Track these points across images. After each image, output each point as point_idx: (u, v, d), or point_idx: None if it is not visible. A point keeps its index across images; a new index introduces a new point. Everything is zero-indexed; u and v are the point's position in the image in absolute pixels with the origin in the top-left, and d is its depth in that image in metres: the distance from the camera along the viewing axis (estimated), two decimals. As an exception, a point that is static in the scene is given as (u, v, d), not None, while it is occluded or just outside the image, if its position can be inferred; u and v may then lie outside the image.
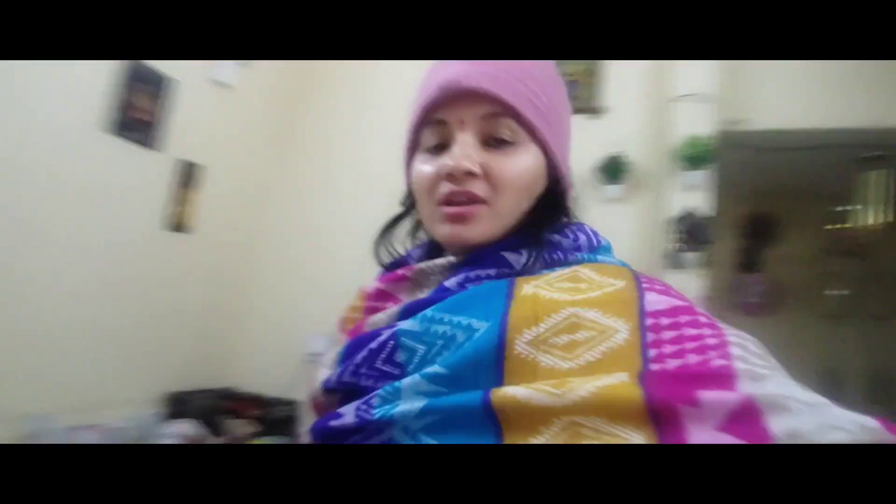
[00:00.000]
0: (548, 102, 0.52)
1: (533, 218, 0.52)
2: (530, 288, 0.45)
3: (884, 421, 0.32)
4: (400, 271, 0.54)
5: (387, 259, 0.59)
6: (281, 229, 2.55)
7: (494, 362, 0.41)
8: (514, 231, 0.52)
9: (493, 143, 0.51)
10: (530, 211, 0.53)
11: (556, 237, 0.52)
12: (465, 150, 0.49)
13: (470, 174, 0.49)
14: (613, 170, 2.12)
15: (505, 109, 0.50)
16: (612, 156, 2.12)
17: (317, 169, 2.56)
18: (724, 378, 0.35)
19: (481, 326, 0.43)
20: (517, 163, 0.51)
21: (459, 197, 0.49)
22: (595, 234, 0.55)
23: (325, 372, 0.51)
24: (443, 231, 0.51)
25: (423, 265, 0.53)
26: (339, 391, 0.49)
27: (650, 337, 0.39)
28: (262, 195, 2.53)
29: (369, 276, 0.59)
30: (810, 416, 0.32)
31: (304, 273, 2.42)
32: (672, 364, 0.37)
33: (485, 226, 0.50)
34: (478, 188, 0.50)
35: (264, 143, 2.52)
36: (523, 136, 0.51)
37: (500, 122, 0.50)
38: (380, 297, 0.54)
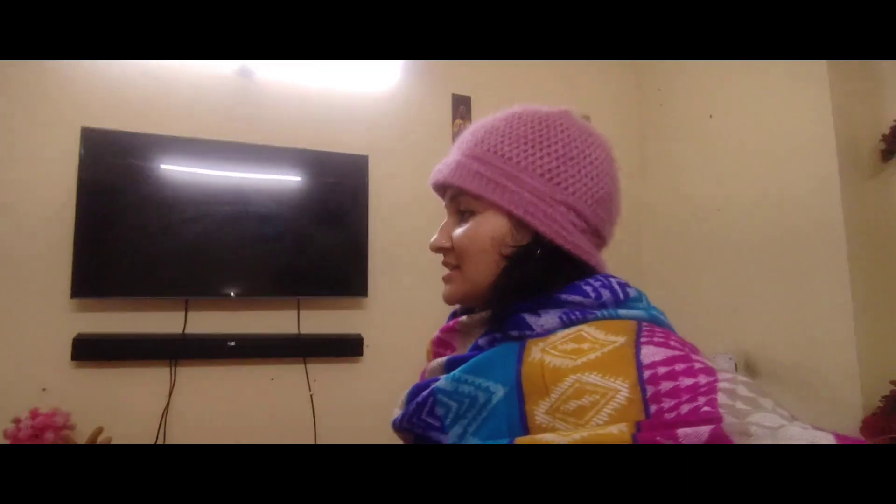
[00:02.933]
0: (508, 167, 0.57)
1: (500, 276, 0.58)
2: (538, 352, 0.50)
3: (841, 436, 0.35)
4: (451, 322, 0.63)
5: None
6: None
7: (520, 431, 0.47)
8: (530, 292, 0.55)
9: (463, 216, 0.60)
10: (510, 269, 0.57)
11: (577, 297, 0.53)
12: (441, 230, 0.63)
13: (440, 249, 0.62)
14: None
15: (457, 189, 0.60)
16: None
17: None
18: (707, 420, 0.38)
19: (497, 390, 0.49)
20: (468, 231, 0.59)
21: (447, 266, 0.62)
22: (623, 285, 0.56)
23: (396, 411, 0.60)
24: None
25: (464, 318, 0.61)
26: (405, 431, 0.58)
27: (649, 391, 0.43)
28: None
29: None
30: (769, 438, 0.35)
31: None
32: (668, 417, 0.41)
33: (456, 286, 0.61)
34: (449, 258, 0.61)
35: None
36: (479, 204, 0.58)
37: (458, 200, 0.61)
38: (440, 345, 0.64)
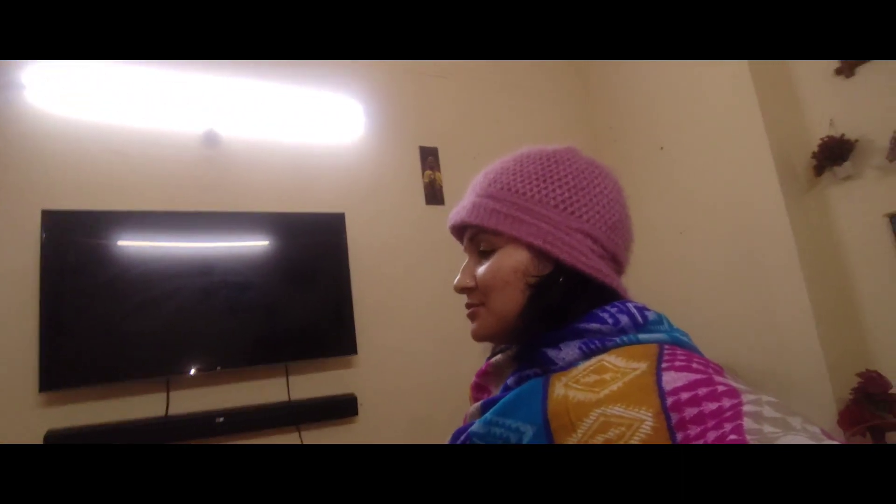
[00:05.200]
0: (522, 201, 0.59)
1: (528, 307, 0.58)
2: (561, 388, 0.50)
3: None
4: (484, 366, 0.65)
5: (484, 351, 0.70)
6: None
7: None
8: (556, 320, 0.56)
9: (482, 255, 0.62)
10: (535, 297, 0.58)
11: (595, 325, 0.54)
12: (464, 271, 0.63)
13: (465, 289, 0.63)
14: None
15: (477, 228, 0.61)
16: None
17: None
18: None
19: (527, 430, 0.50)
20: (491, 266, 0.60)
21: (470, 306, 0.63)
22: (641, 309, 0.56)
23: None
24: None
25: (493, 360, 0.63)
26: None
27: (674, 418, 0.42)
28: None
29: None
30: None
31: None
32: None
33: (483, 321, 0.61)
34: (474, 296, 0.62)
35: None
36: (500, 240, 0.60)
37: (478, 239, 0.62)
38: (477, 389, 0.65)
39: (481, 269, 0.61)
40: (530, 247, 0.58)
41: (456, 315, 2.30)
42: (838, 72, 2.12)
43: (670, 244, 2.52)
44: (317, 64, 2.34)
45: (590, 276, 0.56)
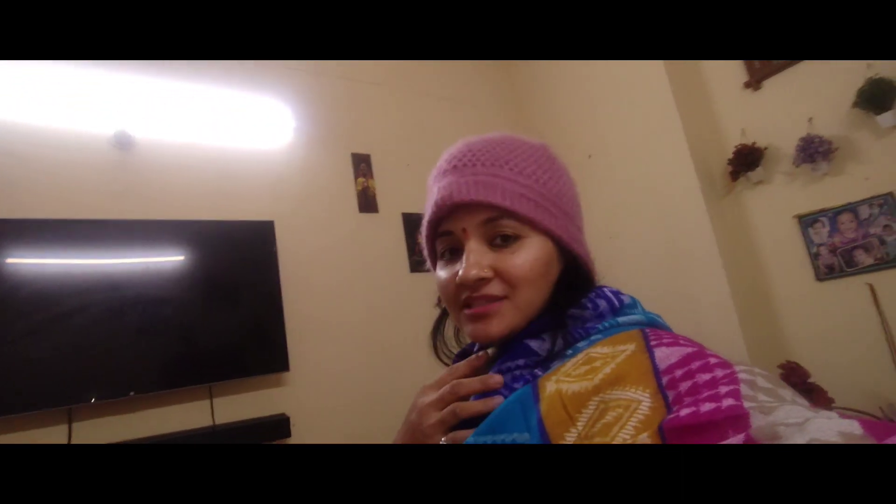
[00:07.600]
0: (544, 191, 0.55)
1: (553, 301, 0.55)
2: (552, 385, 0.46)
3: (867, 423, 0.31)
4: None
5: (444, 356, 0.65)
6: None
7: None
8: (536, 316, 0.54)
9: (499, 241, 0.53)
10: (551, 295, 0.55)
11: (576, 311, 0.53)
12: (474, 258, 0.52)
13: (481, 280, 0.52)
14: (880, 95, 1.89)
15: (501, 212, 0.53)
16: (876, 79, 1.89)
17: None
18: (735, 420, 0.35)
19: (524, 438, 0.45)
20: (526, 256, 0.53)
21: (478, 301, 0.53)
22: (616, 293, 0.56)
23: None
24: (468, 330, 0.55)
25: (462, 363, 0.59)
26: None
27: (671, 395, 0.40)
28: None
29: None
30: (798, 436, 0.32)
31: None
32: (685, 412, 0.37)
33: (507, 320, 0.53)
34: (493, 288, 0.53)
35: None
36: (526, 229, 0.53)
37: (499, 224, 0.53)
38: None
39: (513, 260, 0.53)
40: (555, 240, 0.55)
41: (394, 326, 2.25)
42: (746, 85, 2.28)
43: (602, 249, 2.55)
44: (243, 64, 2.22)
45: (587, 272, 0.58)
